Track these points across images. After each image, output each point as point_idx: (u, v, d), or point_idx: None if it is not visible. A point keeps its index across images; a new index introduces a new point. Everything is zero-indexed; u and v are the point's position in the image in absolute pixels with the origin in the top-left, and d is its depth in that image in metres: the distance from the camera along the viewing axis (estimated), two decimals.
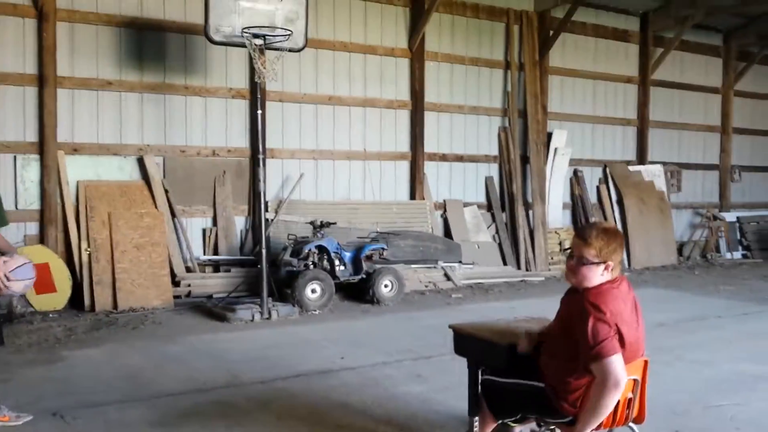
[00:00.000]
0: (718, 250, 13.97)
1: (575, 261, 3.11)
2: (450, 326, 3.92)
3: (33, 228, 8.22)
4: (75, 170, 8.43)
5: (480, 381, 3.66)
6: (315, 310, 8.05)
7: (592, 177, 12.87)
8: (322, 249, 8.48)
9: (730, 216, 14.33)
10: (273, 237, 9.11)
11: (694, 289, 10.03)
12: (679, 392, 5.04)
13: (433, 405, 4.77)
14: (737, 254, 14.08)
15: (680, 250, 13.53)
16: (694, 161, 14.36)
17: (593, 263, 3.06)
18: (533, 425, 3.90)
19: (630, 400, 3.18)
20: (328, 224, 8.74)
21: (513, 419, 3.52)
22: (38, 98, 8.20)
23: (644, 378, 3.20)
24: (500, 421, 3.56)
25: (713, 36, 14.39)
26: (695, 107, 14.36)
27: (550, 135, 12.04)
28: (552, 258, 11.71)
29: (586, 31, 12.59)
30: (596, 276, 3.07)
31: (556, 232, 11.99)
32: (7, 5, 8.03)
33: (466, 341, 3.82)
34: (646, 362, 3.17)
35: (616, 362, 2.90)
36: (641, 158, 13.45)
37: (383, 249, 8.94)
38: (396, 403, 4.82)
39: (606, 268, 3.08)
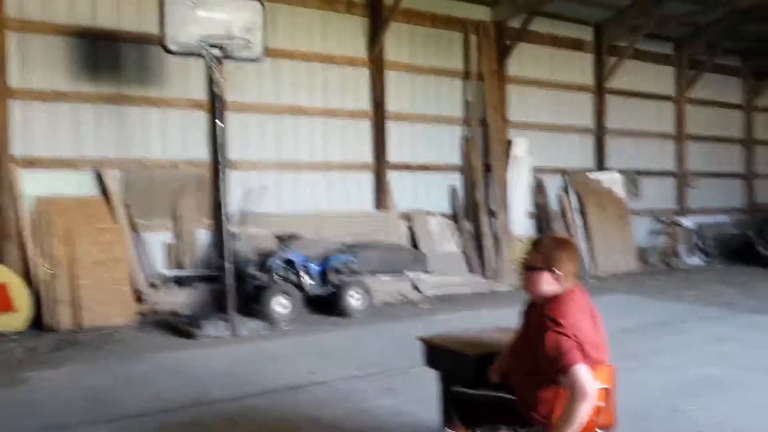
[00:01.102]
0: (677, 255, 14.28)
1: (525, 267, 3.20)
2: (419, 338, 3.93)
3: None
4: (31, 185, 8.22)
5: (451, 393, 3.68)
6: (284, 325, 7.97)
7: (554, 185, 13.05)
8: (288, 262, 8.43)
9: (688, 221, 14.66)
10: (238, 250, 8.99)
11: (657, 294, 10.21)
12: (645, 397, 5.13)
13: (406, 418, 4.77)
14: (697, 259, 14.42)
15: (642, 256, 13.79)
16: (652, 168, 14.68)
17: (538, 268, 3.11)
18: None
19: (600, 409, 3.23)
20: (294, 237, 8.68)
21: (484, 430, 3.54)
22: None
23: (612, 384, 3.25)
24: None
25: (665, 45, 14.80)
26: (650, 115, 14.72)
27: (511, 143, 12.19)
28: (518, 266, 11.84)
29: (542, 41, 12.82)
30: (543, 284, 3.11)
31: (520, 240, 12.11)
32: None
33: (435, 353, 3.84)
34: (612, 370, 3.22)
35: (582, 372, 2.92)
36: (600, 166, 13.72)
37: (351, 261, 8.92)
38: (368, 416, 4.80)
39: (554, 277, 3.10)
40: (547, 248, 3.14)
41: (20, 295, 7.66)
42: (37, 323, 7.73)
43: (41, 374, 5.97)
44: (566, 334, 2.97)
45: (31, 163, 8.26)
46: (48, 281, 7.80)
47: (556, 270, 3.10)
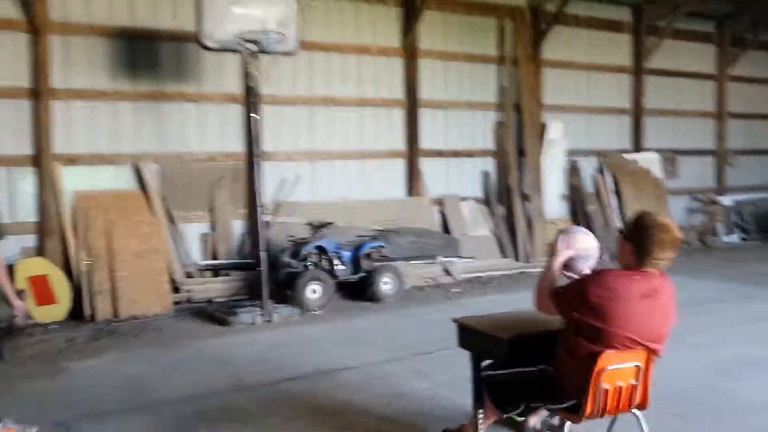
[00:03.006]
0: (715, 234, 13.98)
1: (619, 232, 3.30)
2: (453, 320, 3.92)
3: (31, 240, 8.20)
4: (71, 181, 8.41)
5: (482, 376, 3.67)
6: (316, 311, 8.04)
7: (589, 167, 12.87)
8: (321, 249, 8.48)
9: (727, 200, 14.34)
10: (272, 239, 9.09)
11: (694, 273, 10.01)
12: (681, 376, 5.05)
13: (438, 400, 4.77)
14: (735, 238, 14.09)
15: None
16: (691, 147, 14.37)
17: (624, 236, 3.18)
18: (544, 416, 3.91)
19: (633, 386, 3.19)
20: (327, 224, 8.74)
21: (517, 411, 3.53)
22: (33, 111, 8.19)
23: (648, 365, 3.20)
24: (506, 416, 3.57)
25: (706, 23, 14.39)
26: (690, 94, 14.36)
27: (545, 127, 12.05)
28: None
29: (578, 24, 12.59)
30: (623, 250, 3.17)
31: (554, 223, 11.99)
32: (1, 20, 8.02)
33: (469, 335, 3.83)
34: (649, 350, 3.16)
35: (546, 303, 3.30)
36: (637, 146, 13.47)
37: (382, 247, 8.95)
38: (401, 400, 4.82)
39: (629, 249, 3.12)
40: (636, 224, 3.16)
41: (61, 286, 7.87)
42: (77, 314, 7.92)
43: (80, 363, 6.13)
44: (581, 285, 3.12)
45: (71, 159, 8.45)
46: (87, 273, 7.99)
47: (635, 244, 3.11)
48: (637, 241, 3.12)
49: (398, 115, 10.80)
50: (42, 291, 7.66)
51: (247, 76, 7.96)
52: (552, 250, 3.54)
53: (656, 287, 3.14)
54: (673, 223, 3.20)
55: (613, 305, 3.03)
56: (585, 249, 3.54)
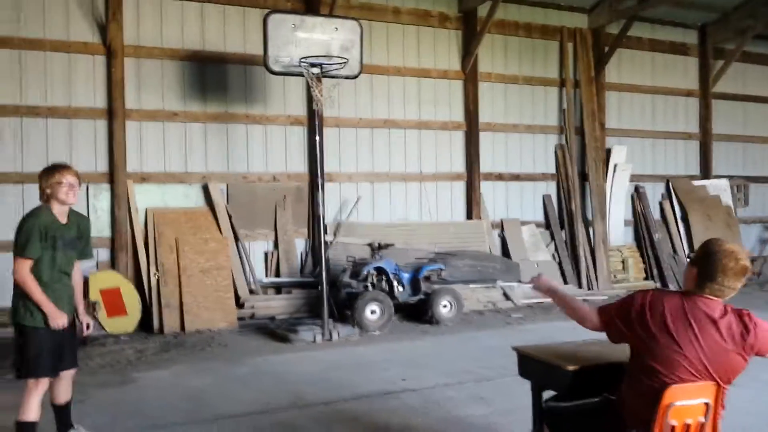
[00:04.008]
0: None
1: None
2: (514, 348, 3.90)
3: (104, 254, 8.58)
4: (143, 198, 8.78)
5: (543, 408, 3.63)
6: (375, 331, 8.11)
7: (654, 193, 12.60)
8: (380, 270, 8.56)
9: None
10: (332, 259, 9.24)
11: (766, 307, 9.64)
12: (752, 415, 4.87)
13: (497, 428, 4.74)
14: None
15: (752, 267, 13.00)
16: (762, 174, 13.89)
17: (688, 259, 3.12)
18: None
19: (702, 424, 3.11)
20: (387, 246, 8.82)
21: None
22: (108, 130, 8.61)
23: (717, 402, 3.11)
24: None
25: None
26: (760, 119, 13.91)
27: (609, 151, 11.87)
28: (615, 276, 11.48)
29: (642, 46, 12.42)
30: (687, 275, 3.12)
31: (618, 249, 11.75)
32: (78, 44, 8.49)
33: (530, 363, 3.80)
34: (718, 386, 3.07)
35: (593, 319, 3.19)
36: (705, 173, 13.09)
37: (441, 269, 8.96)
38: (459, 426, 4.81)
39: (689, 275, 3.06)
40: (703, 248, 3.10)
41: (131, 299, 8.19)
42: (145, 326, 8.24)
43: (149, 374, 6.37)
44: (626, 307, 3.07)
45: (143, 178, 8.82)
46: (156, 287, 8.29)
47: (698, 268, 3.04)
48: (701, 265, 3.04)
49: (458, 138, 10.85)
50: (113, 303, 7.98)
51: (310, 99, 8.16)
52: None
53: (714, 316, 3.00)
54: (743, 250, 3.06)
55: (656, 318, 2.97)
56: None
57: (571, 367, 3.45)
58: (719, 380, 3.05)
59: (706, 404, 3.06)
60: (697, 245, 12.27)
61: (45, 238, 4.06)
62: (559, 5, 11.43)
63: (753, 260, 13.15)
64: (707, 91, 13.06)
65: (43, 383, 4.11)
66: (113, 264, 8.53)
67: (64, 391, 4.36)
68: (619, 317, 3.09)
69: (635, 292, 3.15)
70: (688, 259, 3.24)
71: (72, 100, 8.49)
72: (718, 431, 3.16)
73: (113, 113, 8.56)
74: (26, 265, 4.02)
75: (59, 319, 4.04)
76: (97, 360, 6.85)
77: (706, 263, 3.00)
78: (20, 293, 4.07)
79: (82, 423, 4.57)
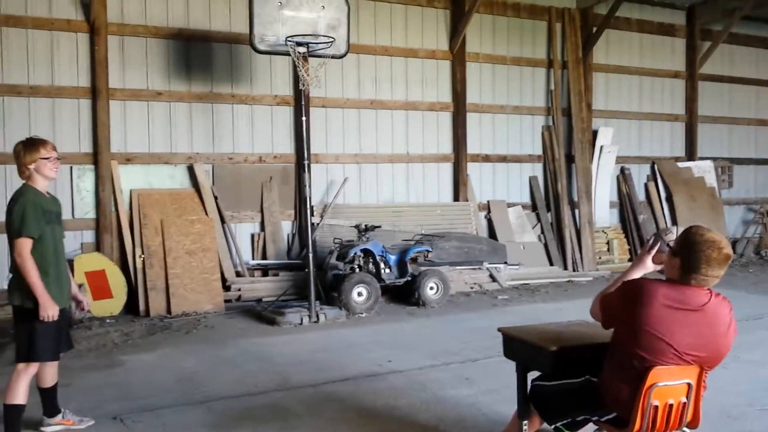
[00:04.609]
0: None
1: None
2: (499, 329, 3.93)
3: (89, 236, 8.52)
4: (128, 179, 8.70)
5: (529, 387, 3.67)
6: (361, 313, 8.13)
7: (639, 174, 12.68)
8: (367, 252, 8.56)
9: None
10: (319, 241, 9.23)
11: (749, 287, 9.77)
12: (735, 394, 4.94)
13: (482, 408, 4.78)
14: None
15: (733, 247, 13.19)
16: (746, 156, 14.00)
17: (668, 247, 3.15)
18: (592, 430, 3.89)
19: (684, 404, 3.15)
20: (373, 227, 8.81)
21: (564, 423, 3.52)
22: (92, 110, 8.50)
23: (699, 382, 3.16)
24: (553, 427, 3.57)
25: (763, 27, 13.99)
26: (746, 101, 14.00)
27: (595, 133, 11.90)
28: (600, 258, 11.57)
29: (630, 27, 12.42)
30: (669, 264, 3.11)
31: (603, 231, 11.84)
32: (61, 21, 8.34)
33: (515, 345, 3.84)
34: (701, 368, 3.12)
35: (596, 313, 3.26)
36: (690, 154, 13.18)
37: (428, 251, 8.98)
38: (444, 406, 4.85)
39: (678, 267, 3.05)
40: (685, 238, 3.07)
41: (117, 282, 8.15)
42: (131, 309, 8.21)
43: (135, 357, 6.35)
44: (621, 299, 3.09)
45: (128, 159, 8.73)
46: (142, 269, 8.25)
47: (682, 259, 3.04)
48: (685, 256, 3.06)
49: (445, 119, 10.82)
50: (99, 285, 7.94)
51: (297, 78, 8.09)
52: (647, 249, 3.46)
53: (702, 304, 3.06)
54: (724, 239, 3.07)
55: (647, 308, 3.00)
56: None
57: (553, 348, 3.49)
58: (708, 367, 3.10)
59: (689, 384, 3.11)
60: (681, 226, 12.49)
61: (42, 216, 4.00)
62: None
63: (736, 241, 13.33)
64: (694, 72, 13.10)
65: (34, 366, 4.09)
66: (98, 246, 8.46)
67: (51, 375, 4.34)
68: (615, 306, 3.14)
69: (627, 283, 3.16)
70: (668, 247, 3.21)
71: (55, 79, 8.36)
72: (700, 411, 3.21)
73: (97, 92, 8.45)
74: (28, 244, 3.93)
75: (50, 310, 3.95)
76: (83, 343, 6.82)
77: (689, 254, 3.02)
78: (21, 275, 3.97)
79: (68, 406, 4.57)
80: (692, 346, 3.05)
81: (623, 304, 3.09)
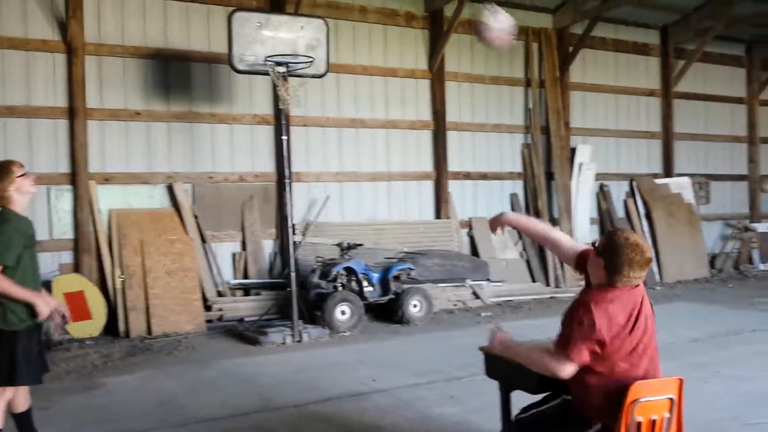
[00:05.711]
0: (751, 261, 13.78)
1: (593, 247, 3.26)
2: (480, 349, 3.92)
3: (68, 257, 8.39)
4: (106, 199, 8.61)
5: (514, 419, 3.66)
6: (345, 332, 8.08)
7: (618, 191, 12.81)
8: (350, 270, 8.54)
9: (761, 226, 14.11)
10: (301, 259, 9.18)
11: (728, 302, 9.86)
12: (719, 409, 4.97)
13: (467, 426, 4.76)
14: None
15: (712, 263, 13.35)
16: (722, 172, 14.22)
17: (597, 253, 3.14)
18: None
19: (668, 419, 3.16)
20: (356, 246, 8.81)
21: None
22: (69, 130, 8.41)
23: (680, 397, 3.18)
24: None
25: (735, 46, 14.32)
26: (721, 118, 14.27)
27: (574, 150, 12.03)
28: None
29: (605, 46, 12.62)
30: (594, 263, 3.16)
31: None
32: (37, 41, 8.28)
33: (497, 364, 3.82)
34: (681, 381, 3.15)
35: (564, 368, 3.06)
36: (668, 171, 13.37)
37: (410, 269, 8.98)
38: (429, 425, 4.82)
39: (603, 268, 3.09)
40: (609, 240, 3.13)
41: (96, 303, 8.03)
42: (111, 330, 8.09)
43: (115, 379, 6.24)
44: (584, 323, 3.01)
45: (106, 179, 8.64)
46: (122, 290, 8.14)
47: (605, 260, 3.09)
48: (608, 258, 3.12)
49: (426, 137, 10.88)
50: (78, 307, 7.81)
51: (276, 98, 8.11)
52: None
53: (642, 302, 3.16)
54: (646, 243, 3.16)
55: (611, 326, 3.04)
56: None
57: None
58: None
59: (671, 400, 3.13)
60: (661, 243, 12.61)
61: (22, 240, 3.92)
62: (524, 5, 11.52)
63: (715, 257, 13.50)
64: (669, 90, 13.33)
65: (11, 390, 3.99)
66: (77, 267, 8.34)
67: (22, 399, 4.23)
68: (587, 346, 3.05)
69: (579, 314, 3.08)
70: (593, 246, 3.30)
71: (31, 99, 8.28)
72: (683, 426, 3.23)
73: (74, 112, 8.37)
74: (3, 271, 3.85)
75: (48, 306, 3.92)
76: (62, 365, 6.69)
77: (613, 256, 3.08)
78: None
79: (46, 431, 4.46)
80: (652, 340, 3.15)
81: (593, 338, 3.03)
